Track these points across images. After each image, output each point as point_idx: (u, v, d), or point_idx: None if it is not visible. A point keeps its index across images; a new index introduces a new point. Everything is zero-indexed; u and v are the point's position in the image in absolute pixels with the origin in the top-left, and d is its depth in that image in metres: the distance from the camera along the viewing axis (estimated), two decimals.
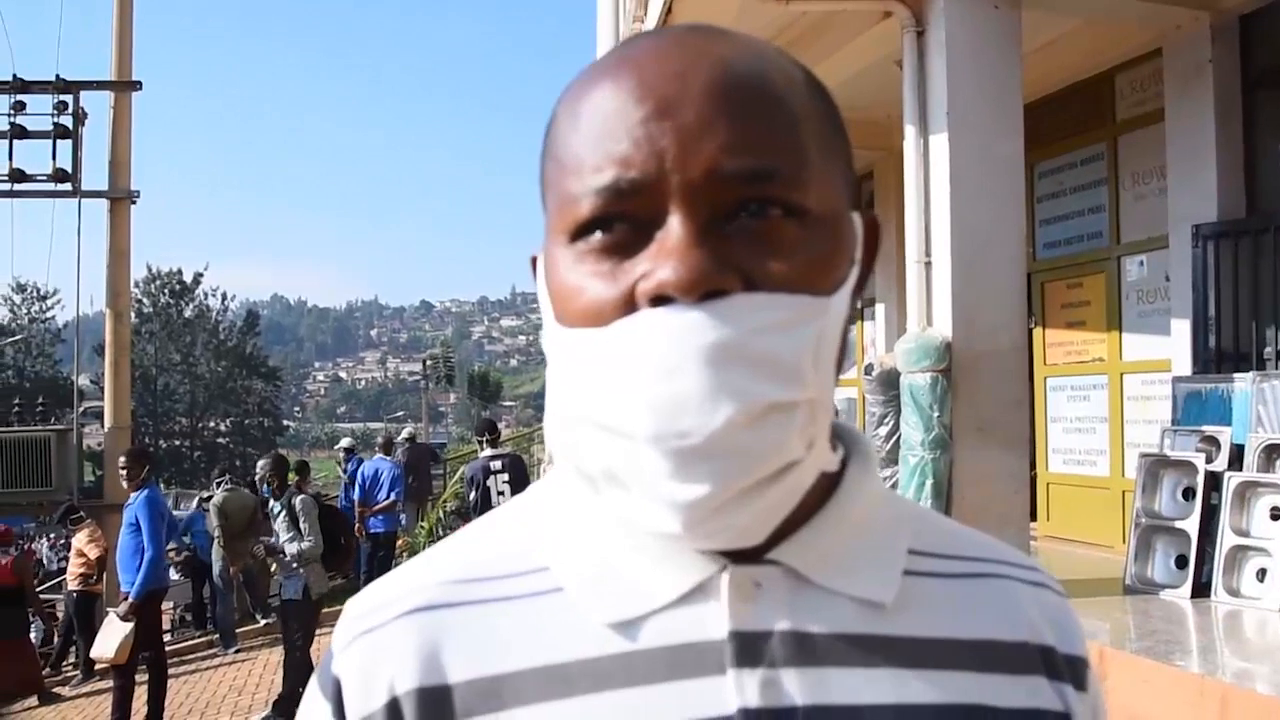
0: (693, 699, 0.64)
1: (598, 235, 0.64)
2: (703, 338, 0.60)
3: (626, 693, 0.65)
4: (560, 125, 0.68)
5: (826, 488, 0.71)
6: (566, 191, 0.66)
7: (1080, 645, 0.76)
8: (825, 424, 0.66)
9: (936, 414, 5.66)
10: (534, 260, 0.73)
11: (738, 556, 0.67)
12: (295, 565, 8.05)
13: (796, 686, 0.65)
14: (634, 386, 0.61)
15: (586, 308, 0.64)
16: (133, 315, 24.88)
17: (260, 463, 9.34)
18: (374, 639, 0.70)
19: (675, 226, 0.62)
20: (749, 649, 0.66)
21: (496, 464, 9.26)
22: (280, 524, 8.29)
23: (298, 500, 8.38)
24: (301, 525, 8.23)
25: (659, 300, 0.61)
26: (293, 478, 8.92)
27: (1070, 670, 0.74)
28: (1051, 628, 0.75)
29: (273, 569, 8.95)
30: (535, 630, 0.68)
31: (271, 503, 8.66)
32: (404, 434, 17.55)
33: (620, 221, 0.64)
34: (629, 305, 0.63)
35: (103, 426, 13.84)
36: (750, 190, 0.63)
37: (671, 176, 0.62)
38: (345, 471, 15.67)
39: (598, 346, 0.63)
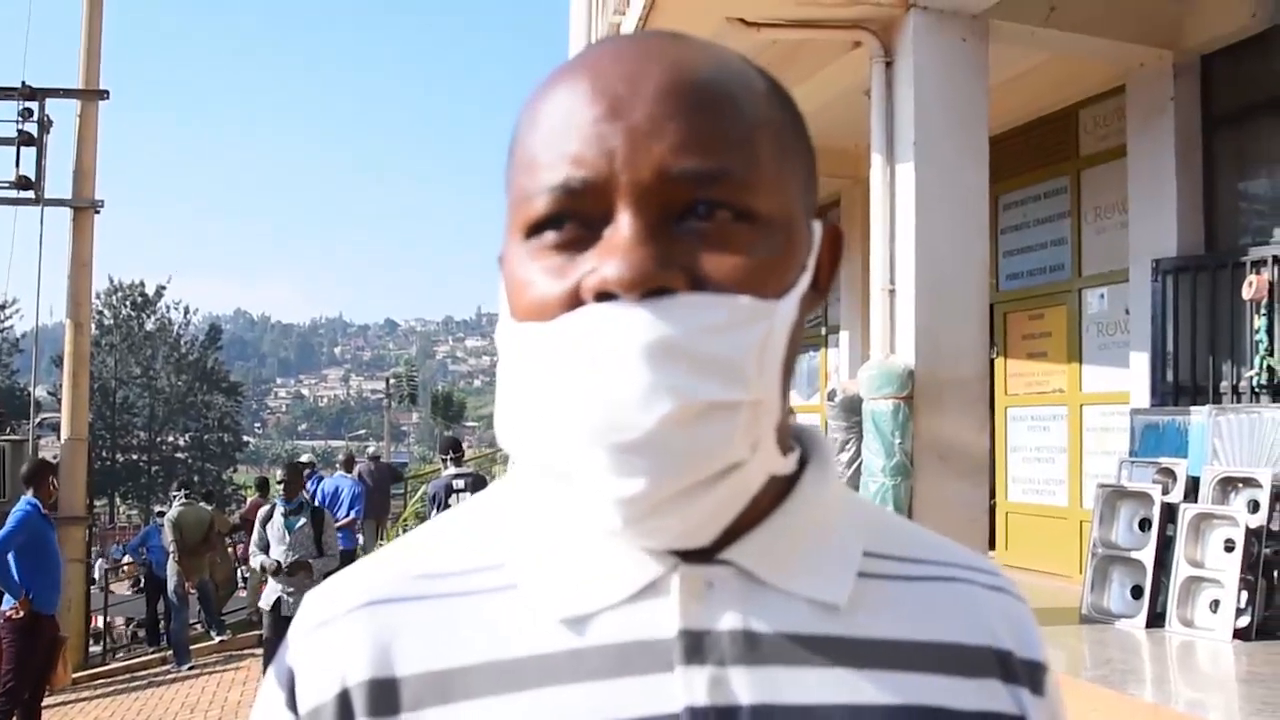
0: (640, 696, 0.65)
1: (550, 232, 0.65)
2: (644, 335, 0.60)
3: (575, 688, 0.65)
4: (521, 127, 0.69)
5: (782, 489, 0.72)
6: (522, 189, 0.67)
7: (1039, 650, 0.76)
8: (770, 427, 0.66)
9: (898, 441, 5.69)
10: (501, 259, 0.73)
11: (691, 556, 0.68)
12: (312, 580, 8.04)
13: (745, 685, 0.65)
14: (575, 381, 0.62)
15: (534, 302, 0.65)
16: (93, 327, 24.63)
17: (279, 472, 9.34)
18: (328, 631, 0.70)
19: (623, 225, 0.63)
20: (698, 647, 0.66)
21: (459, 483, 9.22)
22: (297, 533, 8.35)
23: (327, 516, 8.66)
24: (324, 540, 8.43)
25: (603, 296, 0.62)
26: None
27: (1028, 675, 0.74)
28: (1010, 632, 0.75)
29: (263, 580, 8.75)
30: (488, 625, 0.69)
31: (279, 509, 8.57)
32: (368, 452, 17.44)
33: (571, 219, 0.65)
34: (575, 300, 0.63)
35: (59, 438, 13.66)
36: (699, 191, 0.64)
37: (621, 176, 0.63)
38: (306, 488, 15.55)
39: (542, 340, 0.64)
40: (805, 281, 0.69)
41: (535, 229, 0.66)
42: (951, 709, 0.69)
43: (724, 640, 0.67)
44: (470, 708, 0.66)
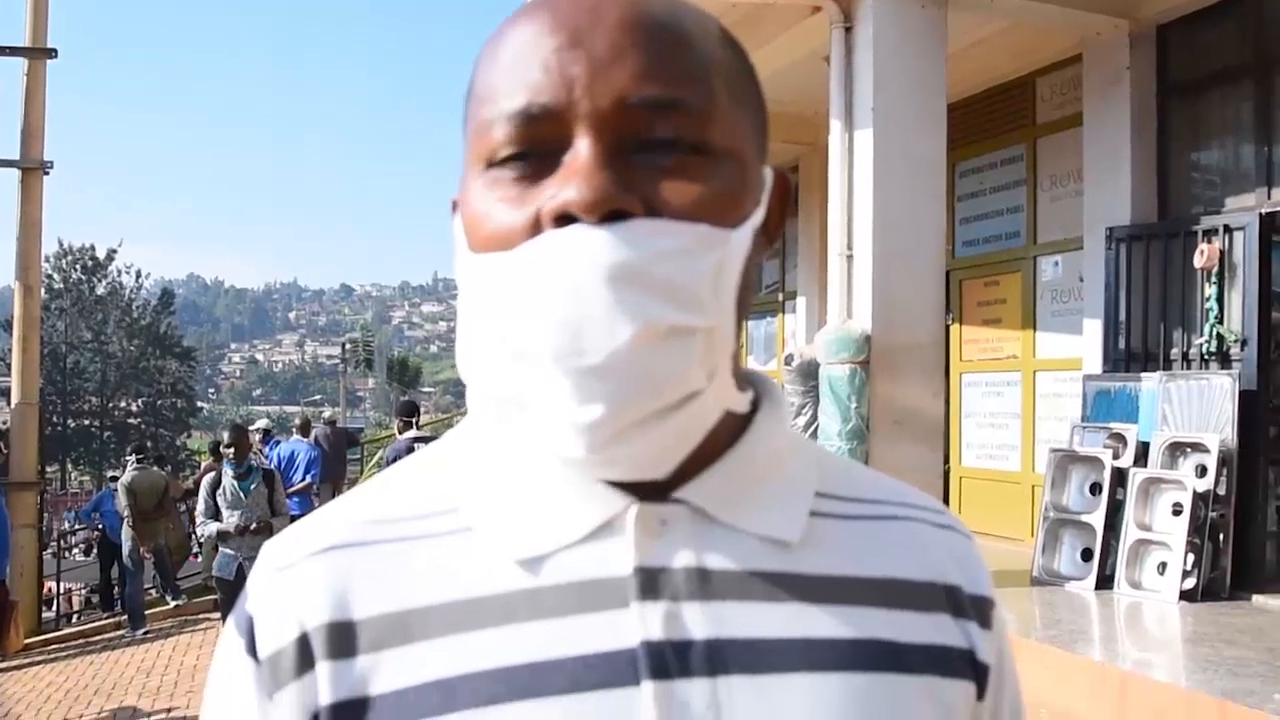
0: (596, 631, 0.66)
1: (509, 163, 0.66)
2: (604, 258, 0.61)
3: (532, 625, 0.66)
4: (481, 62, 0.70)
5: (735, 430, 0.73)
6: (481, 120, 0.67)
7: (986, 586, 0.78)
8: (726, 355, 0.67)
9: (854, 405, 5.74)
10: (454, 203, 0.73)
11: (645, 495, 0.69)
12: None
13: (698, 620, 0.67)
14: (537, 307, 0.62)
15: (494, 232, 0.66)
16: (42, 291, 24.23)
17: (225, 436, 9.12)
18: (286, 577, 0.71)
19: (582, 150, 0.64)
20: (652, 583, 0.67)
21: (419, 446, 9.19)
22: (253, 495, 8.22)
23: (278, 478, 8.57)
24: (275, 501, 8.33)
25: (563, 220, 0.63)
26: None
27: (975, 609, 0.76)
28: (958, 568, 0.77)
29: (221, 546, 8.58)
30: (444, 567, 0.69)
31: (228, 473, 8.34)
32: (324, 416, 17.35)
33: (530, 148, 0.65)
34: (535, 228, 0.64)
35: (9, 403, 13.47)
36: (657, 120, 0.65)
37: (581, 103, 0.64)
38: (265, 454, 15.48)
39: (504, 269, 0.64)
40: (758, 217, 0.70)
41: (494, 159, 0.66)
42: (901, 642, 0.71)
43: (678, 577, 0.68)
44: (428, 647, 0.66)
